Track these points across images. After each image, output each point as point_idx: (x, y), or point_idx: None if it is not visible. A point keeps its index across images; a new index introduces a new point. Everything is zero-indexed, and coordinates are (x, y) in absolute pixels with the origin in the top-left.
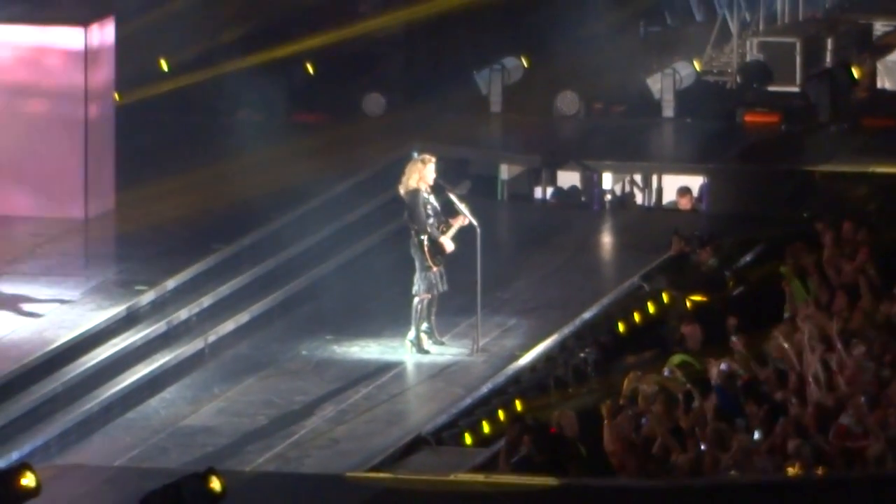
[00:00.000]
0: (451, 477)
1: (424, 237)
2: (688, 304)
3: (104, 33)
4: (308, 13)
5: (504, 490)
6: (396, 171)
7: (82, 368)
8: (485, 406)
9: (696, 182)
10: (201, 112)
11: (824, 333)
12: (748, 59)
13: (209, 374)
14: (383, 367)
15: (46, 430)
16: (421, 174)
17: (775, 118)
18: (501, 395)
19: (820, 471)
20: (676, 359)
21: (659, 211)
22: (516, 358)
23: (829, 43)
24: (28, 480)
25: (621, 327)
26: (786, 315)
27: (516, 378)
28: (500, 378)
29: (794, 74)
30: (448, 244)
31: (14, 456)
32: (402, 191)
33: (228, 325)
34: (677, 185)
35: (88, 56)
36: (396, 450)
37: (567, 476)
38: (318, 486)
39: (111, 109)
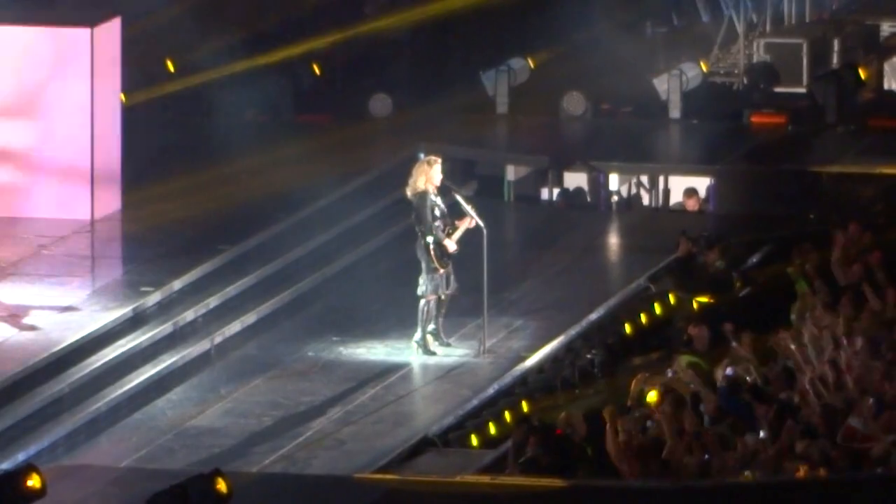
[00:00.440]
0: (458, 479)
1: (430, 239)
2: (695, 305)
3: (111, 34)
4: (314, 14)
5: (510, 492)
6: (403, 171)
7: (89, 369)
8: (491, 407)
9: (702, 183)
10: (207, 113)
11: (832, 334)
12: (755, 60)
13: (216, 375)
14: (390, 369)
15: (53, 431)
16: (427, 176)
17: (782, 119)
18: (508, 397)
19: (827, 472)
20: (684, 360)
21: (666, 212)
22: (523, 359)
23: (836, 44)
24: (33, 482)
25: (628, 329)
26: (793, 316)
27: (523, 379)
28: (507, 379)
29: (801, 75)
30: (451, 245)
31: (20, 457)
32: (409, 193)
33: (235, 326)
34: (684, 187)
35: (95, 57)
36: (403, 451)
37: (574, 478)
38: (325, 488)
39: (118, 110)
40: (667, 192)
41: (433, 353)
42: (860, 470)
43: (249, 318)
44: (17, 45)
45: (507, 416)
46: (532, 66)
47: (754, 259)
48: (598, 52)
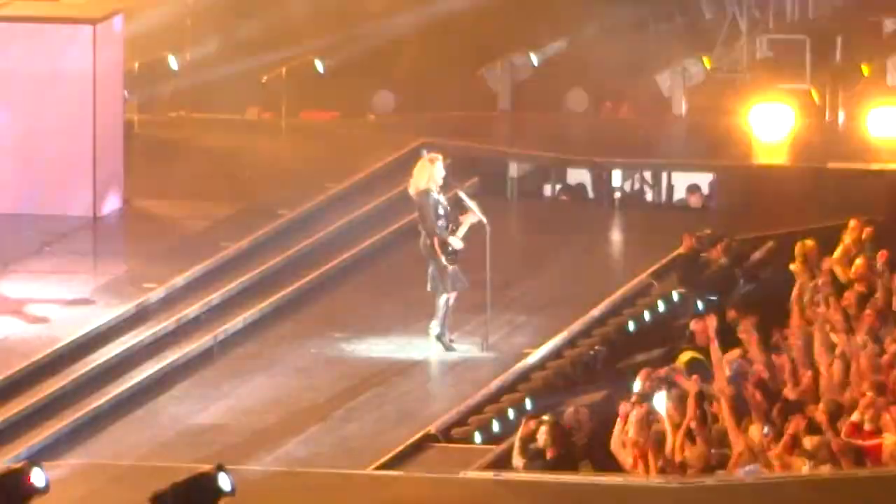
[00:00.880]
0: (461, 475)
1: (434, 239)
2: (698, 301)
3: (113, 31)
4: (317, 9)
5: (514, 488)
6: (405, 168)
7: (91, 366)
8: (494, 403)
9: (705, 179)
10: (210, 109)
11: (836, 331)
12: (758, 56)
13: (218, 371)
14: (392, 365)
15: (55, 427)
16: (430, 174)
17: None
18: (511, 393)
19: (832, 468)
20: (686, 356)
21: (669, 208)
22: (525, 355)
23: (839, 40)
24: (37, 478)
25: (631, 325)
26: (795, 311)
27: (525, 375)
28: (510, 375)
29: (804, 72)
30: (456, 243)
31: (23, 454)
32: (412, 191)
33: (237, 323)
34: (687, 183)
35: (97, 54)
36: (406, 447)
37: (578, 473)
38: (328, 484)
39: (121, 107)
40: (670, 188)
41: (453, 349)
42: (863, 466)
43: (252, 315)
44: (19, 41)
45: (510, 412)
46: (535, 62)
47: (757, 255)
48: (602, 49)
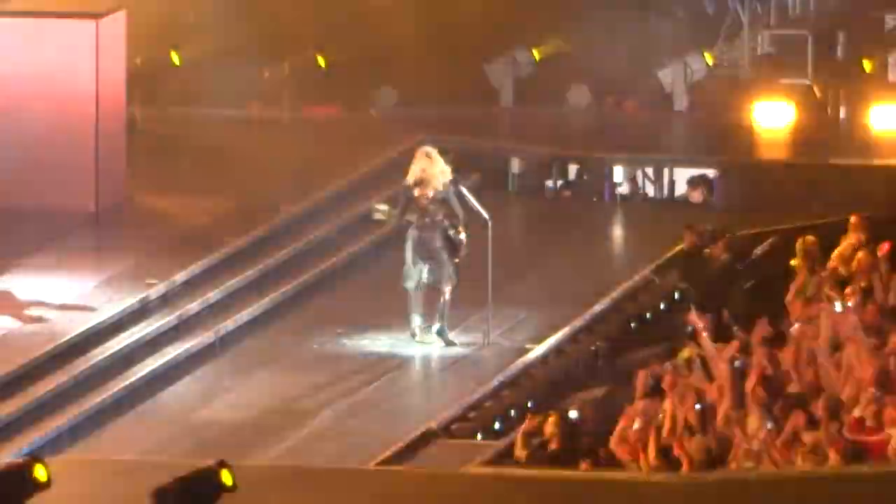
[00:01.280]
0: (462, 470)
1: (457, 230)
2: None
3: (115, 26)
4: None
5: (515, 483)
6: (406, 163)
7: (93, 361)
8: (495, 399)
9: (707, 175)
10: (212, 104)
11: (837, 326)
12: (759, 52)
13: (220, 367)
14: (394, 361)
15: (57, 423)
16: (443, 169)
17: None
18: (512, 389)
19: (833, 465)
20: (686, 352)
21: (670, 204)
22: (527, 351)
23: (841, 36)
24: (39, 474)
25: (632, 321)
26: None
27: (527, 371)
28: (511, 371)
29: (806, 67)
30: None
31: (25, 449)
32: (438, 187)
33: (239, 319)
34: (689, 178)
35: (99, 49)
36: (407, 443)
37: (579, 468)
38: (329, 480)
39: (122, 102)
40: (672, 183)
41: (454, 344)
42: (865, 462)
43: (254, 311)
44: (23, 36)
45: (511, 407)
46: (537, 58)
47: (758, 251)
48: (603, 45)
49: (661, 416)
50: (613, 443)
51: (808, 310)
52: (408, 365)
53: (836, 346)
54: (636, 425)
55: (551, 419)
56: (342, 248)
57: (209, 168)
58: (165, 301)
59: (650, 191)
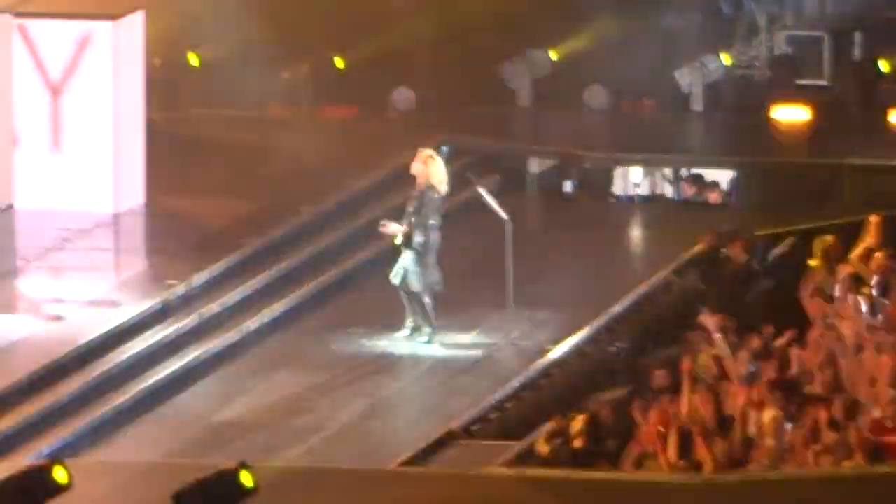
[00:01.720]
0: (483, 471)
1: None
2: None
3: (133, 28)
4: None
5: (535, 484)
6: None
7: (113, 363)
8: (516, 400)
9: (725, 176)
10: (231, 106)
11: (856, 326)
12: (776, 52)
13: (240, 368)
14: (414, 362)
15: (77, 425)
16: (439, 171)
17: (805, 112)
18: (532, 389)
19: (853, 465)
20: (704, 353)
21: (688, 204)
22: (547, 352)
23: (857, 36)
24: (60, 476)
25: (652, 322)
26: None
27: (547, 372)
28: (531, 372)
29: (822, 68)
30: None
31: (45, 451)
32: (424, 186)
33: (259, 320)
34: (707, 179)
35: (117, 51)
36: (427, 444)
37: (599, 469)
38: (350, 481)
39: (141, 104)
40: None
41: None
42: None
43: (274, 312)
44: (40, 38)
45: (532, 408)
46: (553, 58)
47: (777, 252)
48: (620, 46)
49: (681, 416)
50: (635, 443)
51: (826, 309)
52: (428, 366)
53: (856, 347)
54: (655, 426)
55: (580, 418)
56: (361, 250)
57: (228, 169)
58: (185, 302)
59: (668, 191)
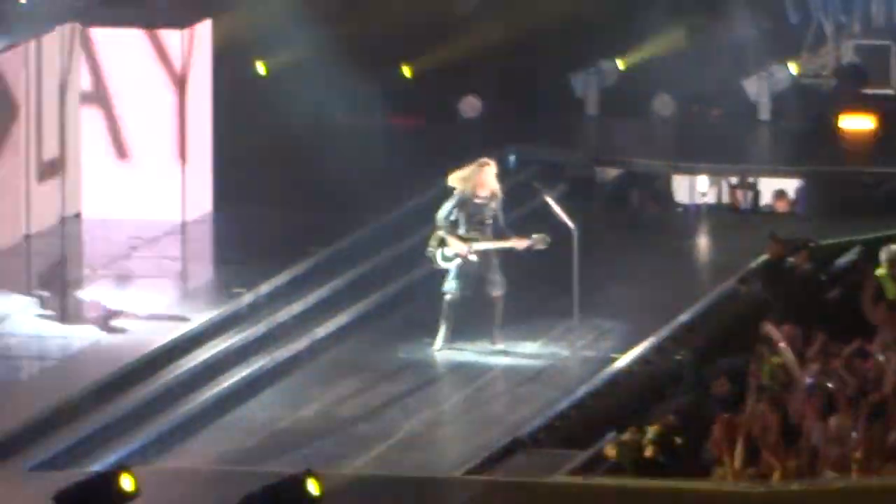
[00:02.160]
0: (549, 479)
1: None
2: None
3: (202, 36)
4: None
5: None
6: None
7: (180, 371)
8: (581, 408)
9: (792, 185)
10: (298, 114)
11: None
12: (843, 61)
13: (307, 376)
14: (480, 370)
15: (144, 432)
16: (476, 179)
17: (871, 121)
18: (598, 398)
19: None
20: (771, 362)
21: (755, 214)
22: (613, 361)
23: None
24: (127, 483)
25: (717, 331)
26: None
27: (613, 381)
28: (597, 381)
29: (889, 77)
30: (458, 246)
31: (112, 458)
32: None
33: (326, 328)
34: (773, 188)
35: (186, 59)
36: (494, 452)
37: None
38: (416, 489)
39: (209, 112)
40: (756, 193)
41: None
42: None
43: (341, 320)
44: (109, 47)
45: (597, 417)
46: (622, 67)
47: (843, 261)
48: (688, 54)
49: (747, 425)
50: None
51: (892, 318)
52: (494, 374)
53: None
54: (722, 435)
55: (653, 428)
56: (428, 259)
57: (296, 178)
58: (252, 310)
59: (735, 200)
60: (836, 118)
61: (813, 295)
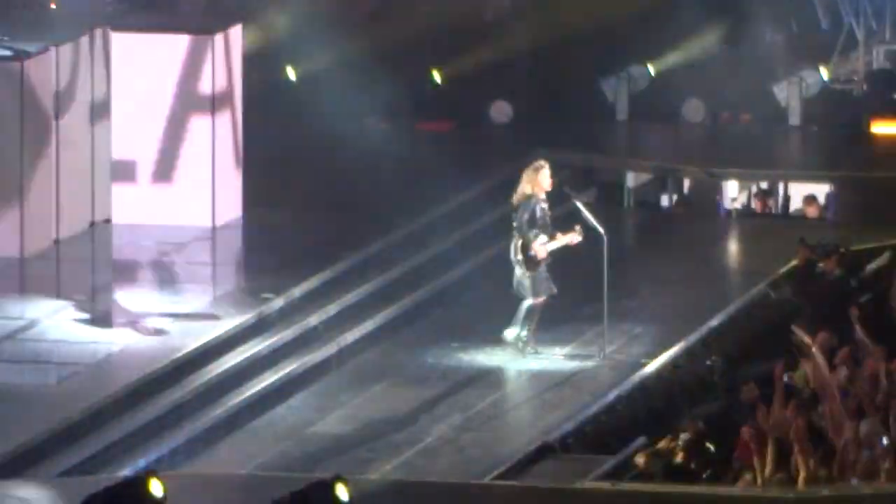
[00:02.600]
0: (578, 485)
1: (519, 241)
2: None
3: (232, 42)
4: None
5: (631, 498)
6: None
7: (209, 376)
8: (611, 413)
9: (822, 190)
10: (328, 120)
11: None
12: (874, 67)
13: (336, 381)
14: (509, 375)
15: (173, 437)
16: (534, 181)
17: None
18: (628, 403)
19: None
20: (801, 367)
21: (785, 219)
22: (643, 365)
23: None
24: (155, 488)
25: (747, 336)
26: None
27: (642, 386)
28: (627, 385)
29: None
30: (540, 251)
31: (141, 463)
32: (514, 198)
33: (355, 333)
34: (804, 194)
35: (216, 65)
36: (523, 457)
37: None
38: (445, 494)
39: (239, 118)
40: (786, 199)
41: (525, 356)
42: None
43: (370, 325)
44: (139, 53)
45: (627, 422)
46: (652, 73)
47: (873, 266)
48: (718, 59)
49: (776, 429)
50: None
51: None
52: (523, 379)
53: None
54: (751, 439)
55: (684, 434)
56: (458, 263)
57: (326, 183)
58: (281, 316)
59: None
60: (868, 123)
61: (842, 299)
